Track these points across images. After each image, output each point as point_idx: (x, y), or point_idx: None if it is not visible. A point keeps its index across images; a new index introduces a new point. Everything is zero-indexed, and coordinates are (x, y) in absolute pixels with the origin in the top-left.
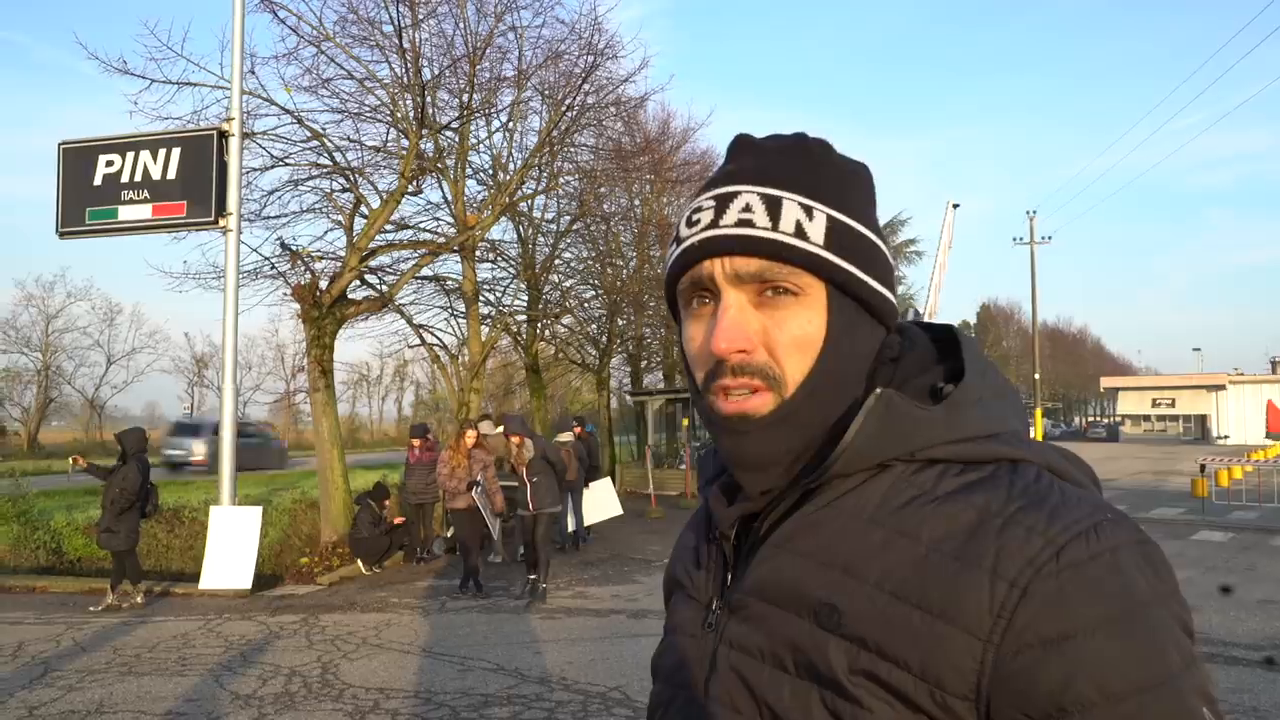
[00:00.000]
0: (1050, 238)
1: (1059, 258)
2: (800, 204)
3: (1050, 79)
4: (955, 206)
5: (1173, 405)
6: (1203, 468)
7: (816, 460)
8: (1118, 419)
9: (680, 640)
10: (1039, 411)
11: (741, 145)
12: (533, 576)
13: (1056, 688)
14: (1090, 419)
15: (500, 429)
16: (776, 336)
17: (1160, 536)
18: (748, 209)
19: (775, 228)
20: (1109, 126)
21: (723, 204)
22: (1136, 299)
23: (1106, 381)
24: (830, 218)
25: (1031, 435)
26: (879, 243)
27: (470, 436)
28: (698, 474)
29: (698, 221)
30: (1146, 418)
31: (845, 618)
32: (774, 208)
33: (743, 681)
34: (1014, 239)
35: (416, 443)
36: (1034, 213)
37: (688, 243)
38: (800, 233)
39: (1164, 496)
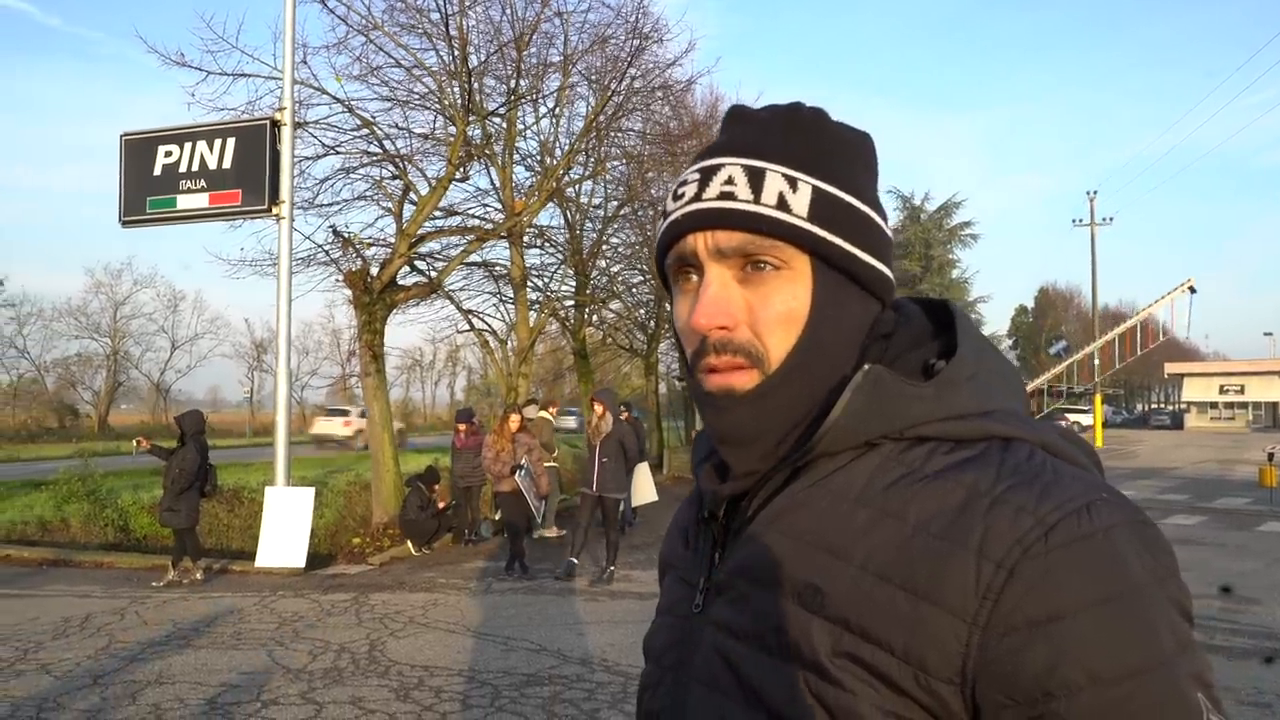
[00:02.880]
0: (1111, 219)
1: (1121, 240)
2: (785, 175)
3: (1113, 52)
4: (1192, 291)
5: (1241, 392)
6: (1271, 456)
7: (805, 438)
8: (1183, 406)
9: (669, 621)
10: (1099, 398)
11: (733, 116)
12: (573, 560)
13: (1042, 671)
14: (1153, 406)
15: (542, 412)
16: (760, 312)
17: (1224, 527)
18: (730, 181)
19: (757, 200)
20: (1175, 102)
21: (706, 177)
22: (1204, 282)
23: (1171, 367)
24: (816, 189)
25: (1035, 415)
26: (872, 214)
27: (514, 421)
28: (692, 454)
29: (682, 195)
30: (1214, 405)
31: (828, 599)
32: (756, 179)
33: (727, 663)
34: (1073, 220)
35: (462, 428)
36: (1094, 193)
37: (672, 217)
38: (783, 204)
39: (1230, 486)
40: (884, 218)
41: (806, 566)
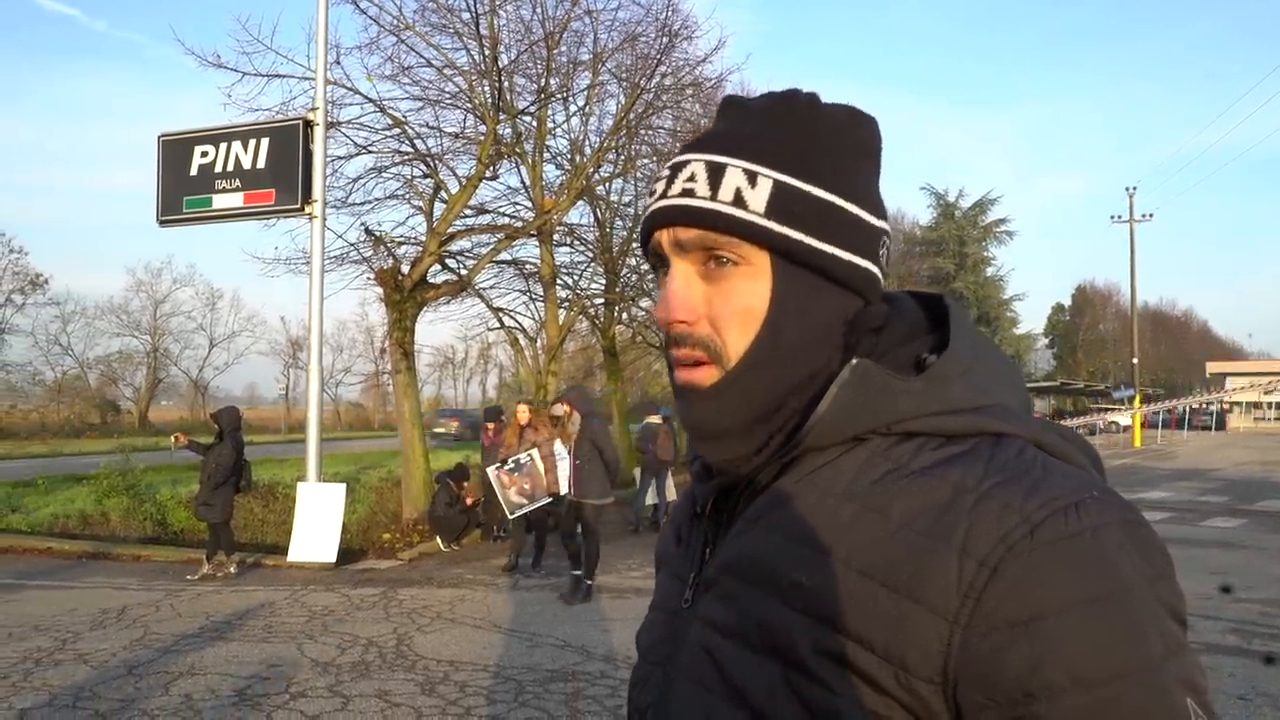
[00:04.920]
0: (1151, 215)
1: (1161, 236)
2: (745, 170)
3: (1153, 48)
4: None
5: None
6: None
7: (793, 432)
8: (1225, 406)
9: (660, 617)
10: (1138, 397)
11: (721, 108)
12: (577, 573)
13: (1024, 672)
14: (1195, 406)
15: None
16: (719, 308)
17: (1266, 530)
18: (692, 178)
19: (714, 196)
20: (1217, 98)
21: (674, 174)
22: (1249, 280)
23: (1213, 366)
24: (777, 183)
25: (1041, 414)
26: (847, 206)
27: (521, 414)
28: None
29: (654, 192)
30: (1257, 405)
31: (811, 596)
32: (716, 175)
33: (712, 659)
34: (1112, 217)
35: (490, 426)
36: (1134, 189)
37: (646, 214)
38: (738, 200)
39: (1273, 488)
40: (873, 209)
41: (790, 563)
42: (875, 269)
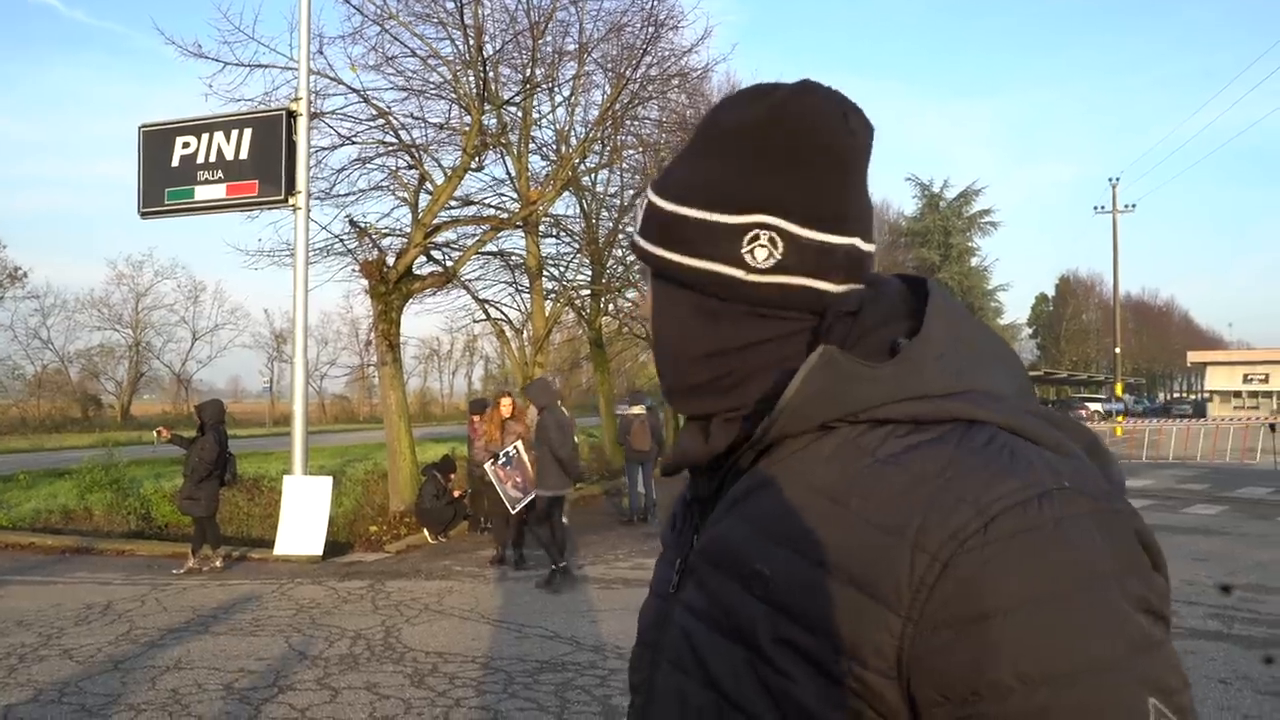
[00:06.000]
0: (1134, 206)
1: (1144, 227)
2: (646, 197)
3: (1137, 39)
4: None
5: (1266, 381)
6: (1274, 427)
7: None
8: (1205, 395)
9: (652, 600)
10: (1119, 386)
11: None
12: (558, 565)
13: (971, 670)
14: (1176, 395)
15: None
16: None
17: (1246, 517)
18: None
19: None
20: (1199, 89)
21: None
22: (1229, 270)
23: (1194, 356)
24: (649, 205)
25: (1034, 397)
26: (689, 213)
27: (505, 406)
28: None
29: None
30: (1237, 394)
31: (772, 584)
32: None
33: (688, 643)
34: (1095, 208)
35: (476, 418)
36: (1116, 180)
37: None
38: (637, 223)
39: (1252, 475)
40: (726, 206)
41: (755, 551)
42: (719, 268)
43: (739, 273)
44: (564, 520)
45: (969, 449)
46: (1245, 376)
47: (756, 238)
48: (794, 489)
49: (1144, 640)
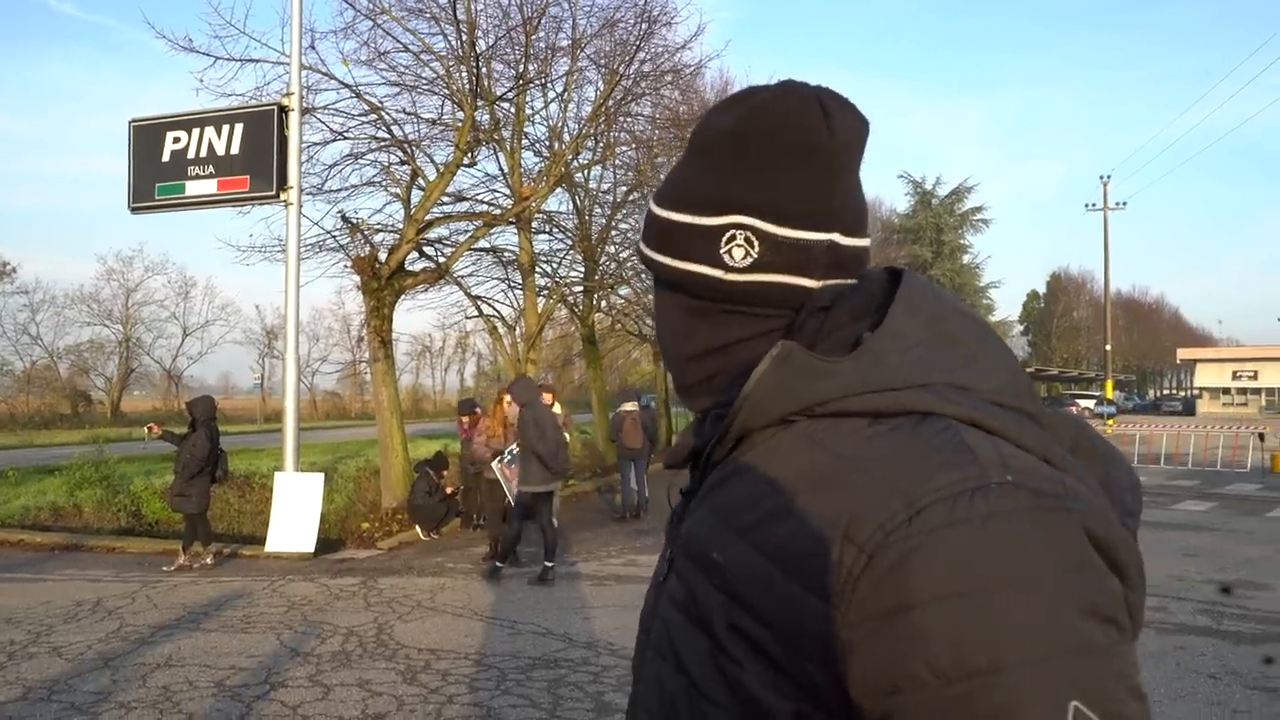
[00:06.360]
0: (1125, 203)
1: (1135, 224)
2: (648, 208)
3: (1129, 37)
4: None
5: (1255, 378)
6: (1261, 437)
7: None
8: (1195, 392)
9: (649, 591)
10: (1110, 384)
11: None
12: (548, 564)
13: (890, 662)
14: (1165, 392)
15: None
16: None
17: (1235, 513)
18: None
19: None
20: (1190, 86)
21: None
22: (1220, 267)
23: (1183, 353)
24: (649, 212)
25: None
26: (675, 217)
27: (508, 404)
28: None
29: None
30: (1226, 391)
31: (728, 574)
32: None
33: (667, 630)
34: (1086, 205)
35: (465, 419)
36: (1108, 177)
37: None
38: (642, 232)
39: (1241, 472)
40: (705, 208)
41: (716, 541)
42: (702, 268)
43: (719, 273)
44: (554, 521)
45: (916, 441)
46: (1234, 373)
47: (733, 238)
48: (753, 482)
49: (1076, 643)
